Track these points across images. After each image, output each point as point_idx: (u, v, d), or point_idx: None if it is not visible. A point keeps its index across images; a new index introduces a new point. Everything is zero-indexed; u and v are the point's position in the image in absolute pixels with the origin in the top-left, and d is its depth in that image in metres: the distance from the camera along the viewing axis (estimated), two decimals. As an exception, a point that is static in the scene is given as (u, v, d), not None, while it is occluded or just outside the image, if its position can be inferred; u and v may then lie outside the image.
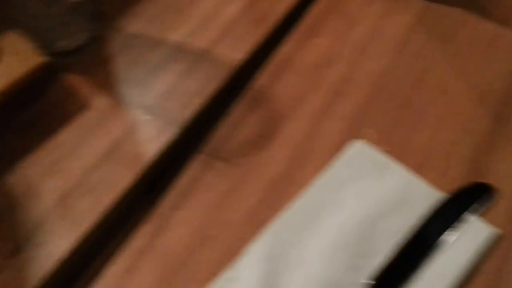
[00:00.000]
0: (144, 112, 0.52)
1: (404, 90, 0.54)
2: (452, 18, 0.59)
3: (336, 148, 0.50)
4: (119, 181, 0.47)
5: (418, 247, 0.45)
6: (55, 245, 0.44)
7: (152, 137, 0.50)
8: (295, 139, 0.51)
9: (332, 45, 0.58)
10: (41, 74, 0.49)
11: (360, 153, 0.50)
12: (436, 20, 0.59)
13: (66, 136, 0.50)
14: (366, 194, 0.47)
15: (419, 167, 0.49)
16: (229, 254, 0.44)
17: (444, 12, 0.59)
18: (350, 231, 0.46)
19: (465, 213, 0.45)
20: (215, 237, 0.45)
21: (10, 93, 0.46)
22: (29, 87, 0.50)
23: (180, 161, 0.50)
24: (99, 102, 0.52)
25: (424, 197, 0.47)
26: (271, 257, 0.44)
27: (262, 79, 0.55)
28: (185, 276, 0.44)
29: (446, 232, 0.45)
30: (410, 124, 0.52)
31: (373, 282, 0.43)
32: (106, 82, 0.54)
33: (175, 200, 0.47)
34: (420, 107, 0.53)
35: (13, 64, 0.48)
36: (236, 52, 0.55)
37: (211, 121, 0.52)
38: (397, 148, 0.50)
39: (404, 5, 0.60)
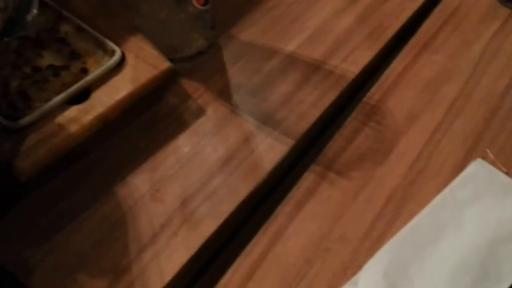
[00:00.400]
0: (260, 121, 0.52)
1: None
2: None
3: (454, 167, 0.49)
4: (237, 189, 0.48)
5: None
6: (177, 249, 0.45)
7: (268, 147, 0.50)
8: (411, 155, 0.50)
9: (449, 62, 0.56)
10: (164, 79, 0.51)
11: (480, 173, 0.48)
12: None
13: (184, 141, 0.51)
14: (487, 216, 0.46)
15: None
16: (346, 268, 0.44)
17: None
18: (471, 252, 0.44)
19: None
20: (331, 249, 0.45)
21: (137, 96, 0.48)
22: (151, 91, 0.51)
23: (295, 172, 0.50)
24: (215, 109, 0.53)
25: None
26: (391, 273, 0.44)
27: (376, 93, 0.54)
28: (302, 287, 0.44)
29: None
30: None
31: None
32: (222, 89, 0.54)
33: (290, 211, 0.47)
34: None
35: (140, 69, 0.49)
36: (351, 65, 0.55)
37: (325, 133, 0.52)
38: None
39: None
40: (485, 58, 0.56)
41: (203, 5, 0.52)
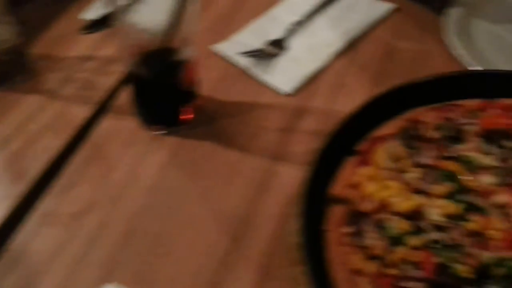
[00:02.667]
0: None
1: (156, 226, 0.59)
2: (202, 151, 0.66)
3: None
4: None
5: None
6: None
7: None
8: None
9: (92, 193, 0.62)
10: None
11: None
12: (187, 155, 0.66)
13: None
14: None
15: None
16: None
17: (194, 146, 0.67)
18: None
19: None
20: None
21: None
22: None
23: None
24: None
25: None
26: None
27: (20, 238, 0.57)
28: None
29: None
30: (162, 260, 0.56)
31: None
32: None
33: None
34: (170, 242, 0.58)
35: None
36: None
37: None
38: (149, 285, 0.54)
39: (158, 144, 0.67)
40: (123, 183, 0.63)
41: None
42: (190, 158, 0.66)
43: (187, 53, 0.63)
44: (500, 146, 0.61)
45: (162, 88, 0.65)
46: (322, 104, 0.73)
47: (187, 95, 0.66)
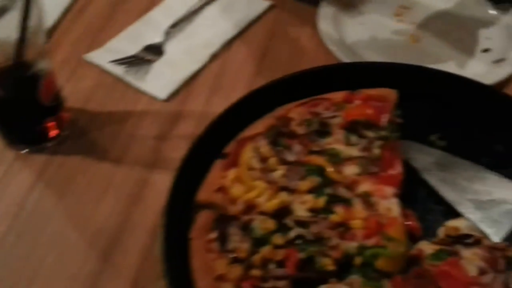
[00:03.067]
0: None
1: (21, 251, 0.57)
2: (71, 167, 0.64)
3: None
4: None
5: None
6: None
7: None
8: None
9: None
10: None
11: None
12: (55, 172, 0.64)
13: None
14: None
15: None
16: None
17: (62, 162, 0.65)
18: None
19: None
20: None
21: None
22: None
23: None
24: None
25: None
26: None
27: None
28: None
29: None
30: (27, 285, 0.54)
31: None
32: None
33: None
34: (35, 266, 0.56)
35: None
36: None
37: None
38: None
39: (23, 163, 0.64)
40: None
41: None
42: (58, 175, 0.63)
43: (43, 66, 0.60)
44: (362, 136, 0.63)
45: (21, 105, 0.62)
46: (198, 107, 0.73)
47: (50, 109, 0.64)
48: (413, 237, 0.58)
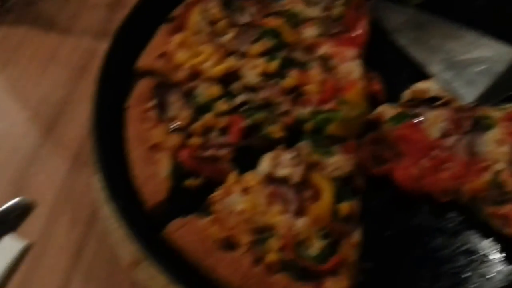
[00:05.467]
0: None
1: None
2: (15, 38, 0.60)
3: None
4: None
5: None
6: None
7: None
8: None
9: None
10: None
11: None
12: (-1, 44, 0.61)
13: None
14: None
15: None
16: None
17: (6, 33, 0.60)
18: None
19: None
20: None
21: None
22: None
23: None
24: None
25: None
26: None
27: None
28: None
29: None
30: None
31: None
32: None
33: None
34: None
35: None
36: None
37: None
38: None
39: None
40: None
41: None
42: (1, 47, 0.59)
43: None
44: (324, -5, 0.57)
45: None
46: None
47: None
48: (376, 101, 0.54)
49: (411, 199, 0.49)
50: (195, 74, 0.53)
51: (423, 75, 0.54)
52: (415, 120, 0.50)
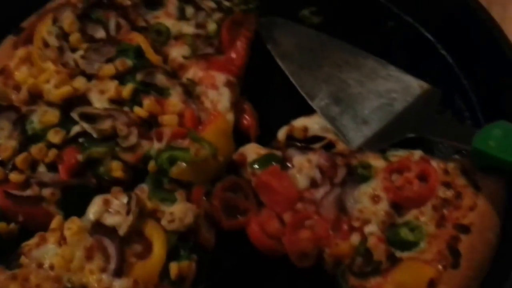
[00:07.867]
0: None
1: None
2: None
3: None
4: None
5: None
6: None
7: None
8: None
9: None
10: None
11: None
12: None
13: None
14: None
15: None
16: None
17: None
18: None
19: None
20: None
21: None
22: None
23: None
24: None
25: None
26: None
27: None
28: None
29: None
30: None
31: None
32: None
33: None
34: None
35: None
36: None
37: None
38: None
39: None
40: None
41: None
42: None
43: None
44: (200, 8, 0.49)
45: None
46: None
47: None
48: (247, 139, 0.47)
49: (269, 260, 0.41)
50: (35, 96, 0.45)
51: (308, 109, 0.46)
52: (278, 166, 0.42)
